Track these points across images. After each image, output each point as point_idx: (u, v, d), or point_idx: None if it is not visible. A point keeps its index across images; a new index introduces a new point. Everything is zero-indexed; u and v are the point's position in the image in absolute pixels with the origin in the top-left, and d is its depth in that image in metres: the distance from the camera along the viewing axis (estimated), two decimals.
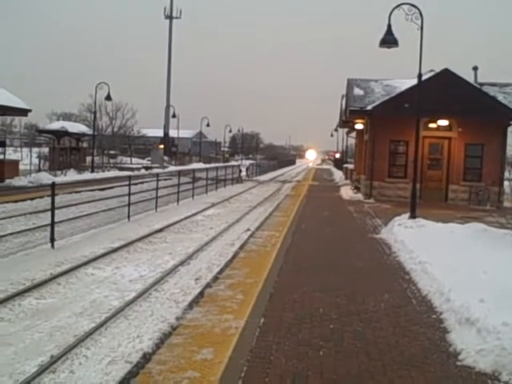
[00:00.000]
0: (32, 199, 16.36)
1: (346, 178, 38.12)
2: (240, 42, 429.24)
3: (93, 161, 34.55)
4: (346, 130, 42.04)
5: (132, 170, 37.91)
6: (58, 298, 6.77)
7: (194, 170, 23.50)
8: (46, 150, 37.34)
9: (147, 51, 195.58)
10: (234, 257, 9.54)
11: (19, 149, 54.09)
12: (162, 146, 51.90)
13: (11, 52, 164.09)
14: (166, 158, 50.70)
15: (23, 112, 25.75)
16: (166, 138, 60.09)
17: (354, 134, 36.29)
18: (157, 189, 16.16)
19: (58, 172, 28.46)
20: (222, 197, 21.40)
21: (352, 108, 23.91)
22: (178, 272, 8.36)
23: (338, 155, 73.12)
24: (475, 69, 25.01)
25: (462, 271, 7.60)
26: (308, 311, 6.44)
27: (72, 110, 69.03)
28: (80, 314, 6.18)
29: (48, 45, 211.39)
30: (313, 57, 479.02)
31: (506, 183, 23.03)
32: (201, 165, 52.47)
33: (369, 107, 22.65)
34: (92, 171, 32.82)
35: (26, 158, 37.13)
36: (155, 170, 36.61)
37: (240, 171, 34.23)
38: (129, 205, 13.67)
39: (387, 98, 22.68)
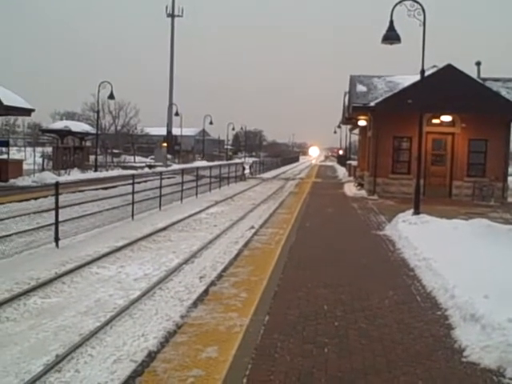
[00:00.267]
0: (36, 199, 16.38)
1: (350, 175, 38.05)
2: (242, 40, 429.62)
3: (96, 160, 34.54)
4: (349, 126, 41.95)
5: (135, 168, 37.90)
6: (62, 297, 6.79)
7: (197, 168, 23.52)
8: (49, 149, 37.30)
9: (149, 50, 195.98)
10: (238, 254, 9.55)
11: (23, 148, 53.99)
12: (165, 145, 51.81)
13: (11, 52, 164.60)
14: (169, 156, 50.70)
15: (26, 112, 25.75)
16: (169, 137, 60.02)
17: (357, 131, 36.25)
18: (160, 187, 16.15)
19: (62, 171, 28.48)
20: (226, 195, 21.41)
21: (355, 104, 23.84)
22: (183, 270, 8.37)
23: (341, 152, 73.10)
24: (478, 64, 24.88)
25: (467, 267, 7.59)
26: (313, 308, 6.44)
27: (75, 109, 69.32)
28: (85, 312, 6.20)
29: (48, 44, 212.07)
30: (315, 54, 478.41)
31: (510, 178, 23.03)
32: (204, 163, 52.47)
33: (372, 103, 22.58)
34: (95, 170, 32.85)
35: (29, 157, 37.09)
36: (158, 169, 36.64)
37: (243, 169, 34.16)
38: (132, 203, 13.69)
39: (390, 94, 22.60)
